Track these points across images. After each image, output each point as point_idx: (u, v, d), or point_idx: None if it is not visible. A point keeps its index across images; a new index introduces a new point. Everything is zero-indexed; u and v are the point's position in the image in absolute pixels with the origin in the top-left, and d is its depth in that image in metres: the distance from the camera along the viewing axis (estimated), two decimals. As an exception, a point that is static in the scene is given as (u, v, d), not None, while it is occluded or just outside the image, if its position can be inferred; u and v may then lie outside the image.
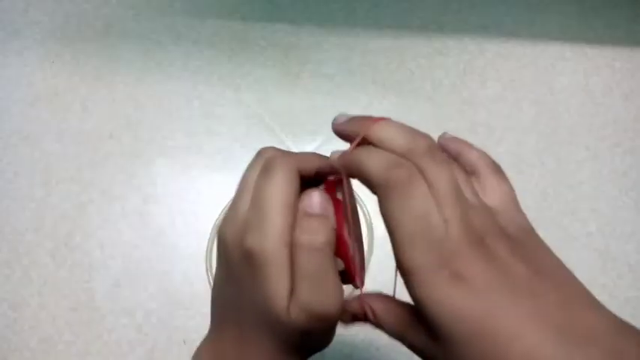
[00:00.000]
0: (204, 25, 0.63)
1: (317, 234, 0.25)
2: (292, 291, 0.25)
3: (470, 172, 0.28)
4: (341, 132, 0.27)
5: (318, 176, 0.27)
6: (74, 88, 0.60)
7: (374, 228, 0.53)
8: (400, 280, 0.23)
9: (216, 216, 0.54)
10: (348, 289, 0.27)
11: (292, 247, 0.25)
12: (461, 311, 0.21)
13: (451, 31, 0.63)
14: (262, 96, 0.60)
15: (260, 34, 0.63)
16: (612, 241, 0.56)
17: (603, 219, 0.57)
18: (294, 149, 0.58)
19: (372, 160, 0.24)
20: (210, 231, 0.54)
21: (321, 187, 0.27)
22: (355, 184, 0.27)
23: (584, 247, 0.56)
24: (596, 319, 0.21)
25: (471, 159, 0.28)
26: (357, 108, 0.60)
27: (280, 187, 0.25)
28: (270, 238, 0.24)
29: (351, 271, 0.27)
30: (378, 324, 0.26)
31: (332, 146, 0.27)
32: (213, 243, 0.53)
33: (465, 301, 0.21)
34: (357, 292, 0.27)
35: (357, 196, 0.26)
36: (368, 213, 0.53)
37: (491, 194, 0.26)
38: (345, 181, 0.26)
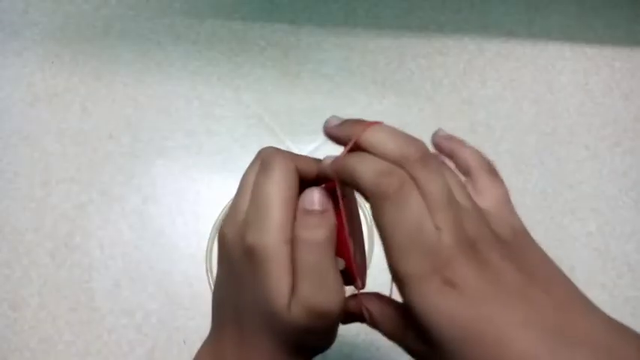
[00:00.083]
0: (204, 26, 0.63)
1: (317, 229, 0.25)
2: (293, 288, 0.25)
3: (463, 172, 0.28)
4: (332, 136, 0.27)
5: (319, 179, 0.27)
6: (74, 88, 0.60)
7: (374, 229, 0.53)
8: None
9: (216, 216, 0.54)
10: (349, 290, 0.27)
11: (293, 244, 0.25)
12: (453, 317, 0.21)
13: (451, 31, 0.63)
14: (262, 96, 0.60)
15: (259, 34, 0.63)
16: (612, 240, 0.56)
17: (603, 219, 0.57)
18: (294, 149, 0.58)
19: (364, 168, 0.24)
20: (210, 231, 0.54)
21: (322, 186, 0.27)
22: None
23: (584, 247, 0.56)
24: (589, 321, 0.21)
25: (465, 158, 0.28)
26: (357, 108, 0.60)
27: (278, 183, 0.25)
28: (270, 234, 0.24)
29: (352, 270, 0.27)
30: (373, 325, 0.26)
31: (332, 147, 0.27)
32: (213, 243, 0.53)
33: (457, 307, 0.21)
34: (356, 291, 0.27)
35: (358, 198, 0.26)
36: (369, 214, 0.53)
37: (485, 195, 0.26)
38: (339, 185, 0.26)
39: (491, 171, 0.28)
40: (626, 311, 0.53)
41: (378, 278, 0.28)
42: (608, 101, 0.62)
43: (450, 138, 0.29)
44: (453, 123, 0.60)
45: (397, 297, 0.25)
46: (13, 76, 0.60)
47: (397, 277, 0.23)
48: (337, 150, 0.26)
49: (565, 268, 0.24)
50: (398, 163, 0.23)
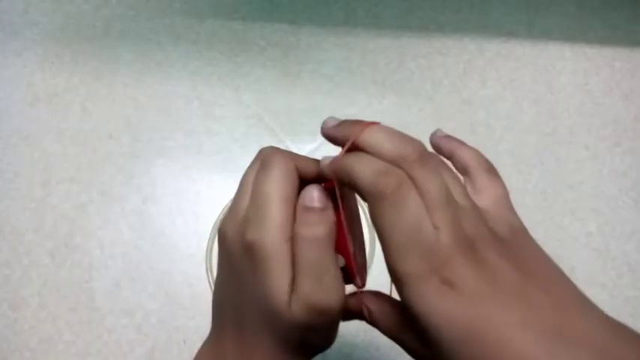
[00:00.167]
0: (204, 26, 0.63)
1: (317, 226, 0.25)
2: (293, 286, 0.25)
3: (462, 171, 0.28)
4: (330, 136, 0.27)
5: (318, 179, 0.27)
6: (74, 88, 0.60)
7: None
8: None
9: (216, 216, 0.54)
10: (349, 289, 0.27)
11: (293, 242, 0.25)
12: (451, 317, 0.21)
13: (451, 31, 0.63)
14: (262, 96, 0.60)
15: (259, 34, 0.63)
16: (612, 240, 0.56)
17: (603, 219, 0.57)
18: (294, 149, 0.58)
19: (361, 168, 0.24)
20: (210, 231, 0.54)
21: (322, 185, 0.27)
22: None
23: (584, 247, 0.56)
24: (587, 320, 0.21)
25: (464, 158, 0.28)
26: (356, 108, 0.60)
27: (278, 182, 0.25)
28: (269, 232, 0.24)
29: (351, 268, 0.27)
30: (373, 323, 0.26)
31: (331, 147, 0.27)
32: (213, 243, 0.53)
33: (456, 307, 0.21)
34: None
35: (358, 197, 0.26)
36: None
37: (483, 194, 0.26)
38: (337, 185, 0.26)
39: (490, 170, 0.28)
40: (626, 311, 0.53)
41: (379, 279, 0.28)
42: (608, 101, 0.62)
43: (449, 138, 0.29)
44: (453, 123, 0.60)
45: (397, 297, 0.25)
46: (13, 76, 0.60)
47: (395, 277, 0.23)
48: (337, 150, 0.26)
49: (565, 268, 0.24)
50: (396, 163, 0.23)
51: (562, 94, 0.62)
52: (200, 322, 0.51)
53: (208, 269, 0.53)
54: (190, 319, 0.52)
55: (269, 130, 0.59)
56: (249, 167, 0.28)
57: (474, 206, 0.24)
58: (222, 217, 0.55)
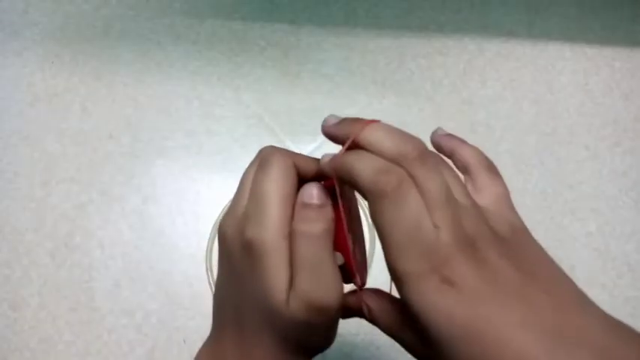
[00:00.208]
0: (204, 26, 0.63)
1: (315, 223, 0.25)
2: (291, 283, 0.25)
3: (463, 170, 0.28)
4: (330, 134, 0.27)
5: (318, 177, 0.27)
6: (74, 88, 0.60)
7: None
8: None
9: (216, 216, 0.54)
10: (350, 288, 0.27)
11: (291, 239, 0.25)
12: (451, 316, 0.21)
13: (451, 31, 0.64)
14: (262, 96, 0.60)
15: (259, 34, 0.63)
16: (612, 240, 0.56)
17: (603, 219, 0.57)
18: (294, 149, 0.58)
19: (362, 166, 0.24)
20: (210, 231, 0.54)
21: (321, 183, 0.27)
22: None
23: (584, 247, 0.56)
24: (587, 320, 0.21)
25: (464, 156, 0.28)
26: (357, 108, 0.60)
27: (277, 180, 0.25)
28: (268, 229, 0.24)
29: (350, 266, 0.27)
30: (372, 321, 0.26)
31: (332, 147, 0.27)
32: (213, 243, 0.53)
33: (455, 306, 0.21)
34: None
35: (358, 196, 0.26)
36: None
37: (484, 193, 0.26)
38: (337, 182, 0.26)
39: (491, 168, 0.27)
40: (626, 311, 0.53)
41: (379, 277, 0.28)
42: (608, 101, 0.62)
43: (450, 136, 0.29)
44: (453, 123, 0.60)
45: (397, 295, 0.25)
46: (13, 76, 0.60)
47: (395, 276, 0.23)
48: (337, 150, 0.26)
49: (565, 268, 0.24)
50: (396, 161, 0.23)
51: (562, 94, 0.62)
52: (200, 322, 0.51)
53: (208, 269, 0.53)
54: (190, 319, 0.52)
55: (269, 130, 0.59)
56: (249, 166, 0.28)
57: (475, 205, 0.24)
58: (222, 216, 0.55)
